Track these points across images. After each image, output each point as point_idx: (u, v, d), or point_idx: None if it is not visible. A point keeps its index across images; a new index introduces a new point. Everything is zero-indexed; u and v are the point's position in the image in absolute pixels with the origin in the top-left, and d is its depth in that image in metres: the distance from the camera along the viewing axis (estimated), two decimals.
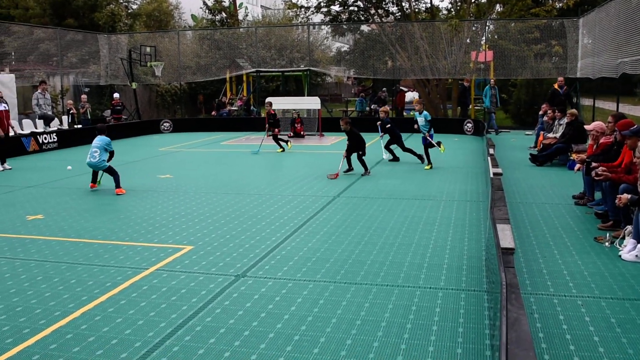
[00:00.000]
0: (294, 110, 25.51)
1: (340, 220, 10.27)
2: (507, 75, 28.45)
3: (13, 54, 30.51)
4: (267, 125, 20.17)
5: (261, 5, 72.01)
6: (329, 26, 36.04)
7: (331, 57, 38.16)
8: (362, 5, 34.05)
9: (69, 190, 13.80)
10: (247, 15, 46.23)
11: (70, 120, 25.85)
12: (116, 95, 29.57)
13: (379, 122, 17.40)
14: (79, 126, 25.88)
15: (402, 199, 11.95)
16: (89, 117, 26.63)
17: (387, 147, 17.45)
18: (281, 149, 20.24)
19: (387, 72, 30.25)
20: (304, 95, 30.35)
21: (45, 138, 22.49)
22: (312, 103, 26.17)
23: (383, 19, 33.69)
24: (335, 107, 41.54)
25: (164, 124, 29.55)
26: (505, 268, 5.17)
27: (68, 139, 23.41)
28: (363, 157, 15.13)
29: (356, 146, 15.04)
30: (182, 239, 9.23)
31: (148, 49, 30.76)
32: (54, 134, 23.05)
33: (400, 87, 33.13)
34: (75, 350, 5.49)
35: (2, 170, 17.27)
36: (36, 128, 23.98)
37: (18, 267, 8.03)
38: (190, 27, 46.33)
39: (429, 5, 34.08)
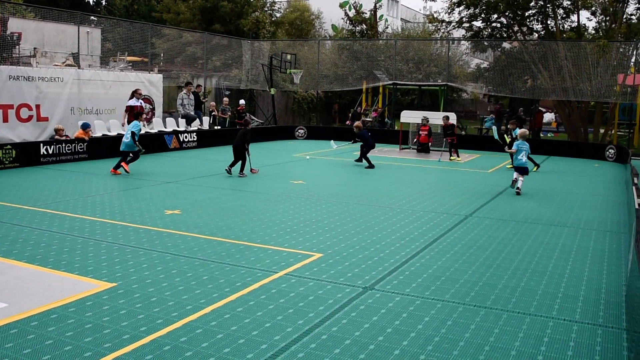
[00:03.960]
0: (423, 117, 24.83)
1: (471, 240, 10.03)
2: None
3: (162, 55, 32.15)
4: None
5: (401, 18, 72.00)
6: (470, 42, 35.42)
7: (469, 73, 37.51)
8: (505, 22, 33.26)
9: (207, 189, 14.31)
10: (386, 28, 46.19)
11: (211, 122, 26.86)
12: (242, 102, 30.17)
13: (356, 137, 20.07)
14: (218, 127, 26.87)
15: (538, 224, 11.51)
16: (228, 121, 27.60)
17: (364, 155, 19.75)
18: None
19: (526, 92, 29.35)
20: (439, 110, 29.93)
21: (186, 137, 23.51)
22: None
23: (526, 37, 32.74)
24: (470, 124, 40.82)
25: (299, 130, 30.09)
26: None
27: (207, 139, 24.37)
28: (249, 155, 16.76)
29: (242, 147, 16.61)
30: (312, 246, 9.33)
31: (288, 57, 31.44)
32: (194, 134, 24.04)
33: (539, 108, 32.06)
34: (203, 345, 5.66)
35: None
36: (178, 127, 25.05)
37: (155, 259, 8.39)
38: (330, 37, 46.98)
39: (575, 24, 32.76)
